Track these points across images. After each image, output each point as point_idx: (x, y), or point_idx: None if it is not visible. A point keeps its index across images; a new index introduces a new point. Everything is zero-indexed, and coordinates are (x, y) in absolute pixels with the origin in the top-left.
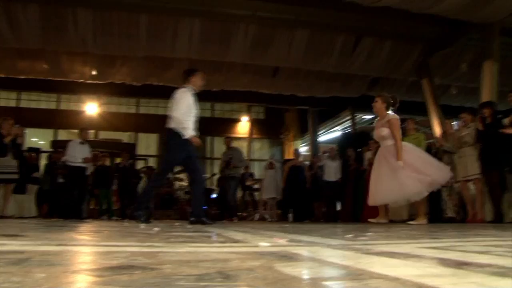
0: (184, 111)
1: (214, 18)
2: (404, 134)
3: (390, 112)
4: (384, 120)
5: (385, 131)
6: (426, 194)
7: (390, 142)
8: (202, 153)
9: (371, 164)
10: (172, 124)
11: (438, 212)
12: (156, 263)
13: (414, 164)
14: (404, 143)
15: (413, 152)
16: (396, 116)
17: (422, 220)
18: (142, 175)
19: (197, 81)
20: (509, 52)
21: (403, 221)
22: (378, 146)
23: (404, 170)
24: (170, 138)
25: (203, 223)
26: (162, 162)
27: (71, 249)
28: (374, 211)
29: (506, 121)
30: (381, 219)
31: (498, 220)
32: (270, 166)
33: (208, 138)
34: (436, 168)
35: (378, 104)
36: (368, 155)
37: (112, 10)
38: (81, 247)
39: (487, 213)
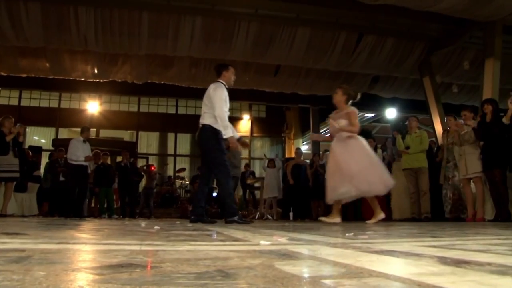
0: (224, 108)
1: (215, 16)
2: (407, 132)
3: (349, 105)
4: (342, 112)
5: (343, 122)
6: (353, 195)
7: (346, 134)
8: None
9: None
10: (208, 121)
11: (440, 211)
12: (156, 261)
13: (361, 161)
14: (363, 139)
15: (366, 151)
16: (355, 109)
17: (376, 218)
18: (142, 173)
19: (231, 76)
20: (510, 50)
21: (405, 220)
22: (376, 145)
23: (346, 163)
24: (207, 136)
25: (203, 221)
26: (216, 167)
27: (71, 247)
28: (372, 210)
29: (504, 119)
30: (333, 218)
31: (505, 219)
32: (271, 164)
33: None
34: (379, 176)
35: (338, 96)
36: None
37: (114, 8)
38: (81, 245)
39: (488, 212)
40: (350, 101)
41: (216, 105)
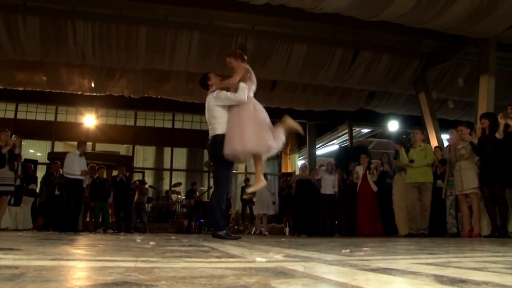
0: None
1: (212, 32)
2: (411, 145)
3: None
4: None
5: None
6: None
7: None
8: (199, 167)
9: (364, 177)
10: (220, 131)
11: (442, 227)
12: (151, 279)
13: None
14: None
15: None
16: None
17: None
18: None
19: (215, 79)
20: (504, 66)
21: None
22: (369, 161)
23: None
24: (220, 146)
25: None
26: (219, 180)
27: (65, 264)
28: (369, 226)
29: (497, 134)
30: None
31: (502, 235)
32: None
33: (206, 151)
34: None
35: (234, 62)
36: (358, 169)
37: (111, 23)
38: (76, 262)
39: (484, 228)
40: (246, 58)
41: (230, 97)
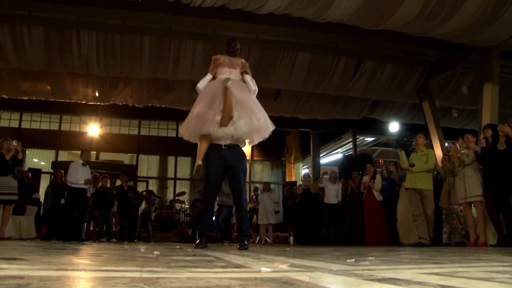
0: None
1: (216, 41)
2: (413, 149)
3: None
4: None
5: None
6: None
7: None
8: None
9: (368, 187)
10: None
11: (438, 236)
12: None
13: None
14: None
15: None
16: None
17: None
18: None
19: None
20: (508, 75)
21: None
22: (375, 170)
23: None
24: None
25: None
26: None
27: (70, 274)
28: (375, 236)
29: (499, 146)
30: None
31: (510, 244)
32: (266, 188)
33: None
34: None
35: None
36: (365, 179)
37: (115, 32)
38: (81, 272)
39: (489, 237)
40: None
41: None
